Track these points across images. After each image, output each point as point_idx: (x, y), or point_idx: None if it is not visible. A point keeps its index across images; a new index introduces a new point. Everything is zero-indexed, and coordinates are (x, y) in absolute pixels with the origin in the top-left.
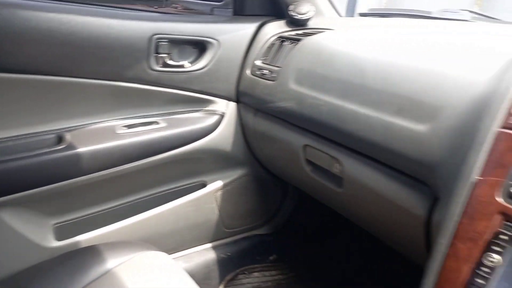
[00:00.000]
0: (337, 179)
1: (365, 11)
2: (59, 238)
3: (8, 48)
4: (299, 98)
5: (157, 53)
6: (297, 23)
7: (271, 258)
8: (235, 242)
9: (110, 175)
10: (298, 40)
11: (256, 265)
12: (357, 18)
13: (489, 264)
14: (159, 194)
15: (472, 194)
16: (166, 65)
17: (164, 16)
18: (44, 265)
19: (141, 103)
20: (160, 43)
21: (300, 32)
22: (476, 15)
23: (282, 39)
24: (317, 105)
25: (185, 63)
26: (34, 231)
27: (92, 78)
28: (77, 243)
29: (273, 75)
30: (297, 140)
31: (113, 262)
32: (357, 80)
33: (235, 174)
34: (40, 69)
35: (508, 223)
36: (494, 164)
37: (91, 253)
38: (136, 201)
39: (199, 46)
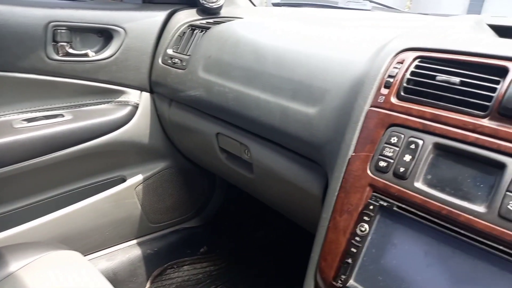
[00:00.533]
0: (248, 165)
1: (278, 1)
2: None
3: None
4: (208, 86)
5: (55, 41)
6: (209, 12)
7: (201, 250)
8: (162, 236)
9: (13, 173)
10: (208, 28)
11: (186, 259)
12: (269, 8)
13: (360, 233)
14: (75, 190)
15: (347, 169)
16: (67, 54)
17: (62, 3)
18: None
19: (43, 95)
20: (58, 31)
21: (210, 20)
22: (378, 5)
23: (193, 27)
24: (224, 93)
25: (89, 52)
26: None
27: None
28: None
29: (183, 64)
30: (209, 128)
31: (17, 265)
32: (258, 66)
33: (157, 167)
34: None
35: (375, 194)
36: (365, 140)
37: None
38: (49, 199)
39: (105, 35)
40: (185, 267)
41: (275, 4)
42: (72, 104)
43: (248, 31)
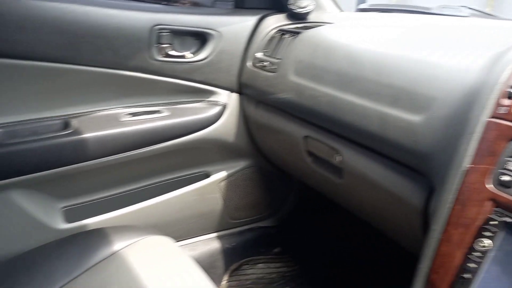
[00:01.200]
0: (337, 170)
1: (365, 6)
2: (67, 221)
3: (17, 35)
4: (299, 89)
5: (159, 43)
6: (297, 17)
7: (275, 250)
8: (240, 233)
9: (116, 161)
10: (298, 33)
11: (261, 257)
12: (357, 13)
13: (481, 249)
14: (164, 182)
15: (463, 181)
16: (168, 55)
17: (165, 8)
18: (53, 245)
19: (145, 92)
20: (161, 33)
21: (299, 25)
22: (475, 12)
23: (282, 32)
24: (316, 97)
25: (187, 53)
26: (43, 212)
27: (94, 66)
28: (84, 225)
29: (274, 67)
30: (297, 131)
31: (119, 245)
32: (354, 71)
33: (239, 165)
34: (46, 56)
35: (498, 209)
36: (484, 152)
37: (98, 235)
38: (141, 188)
39: (201, 38)
40: (259, 265)
41: (361, 10)
42: (169, 101)
43: (341, 36)
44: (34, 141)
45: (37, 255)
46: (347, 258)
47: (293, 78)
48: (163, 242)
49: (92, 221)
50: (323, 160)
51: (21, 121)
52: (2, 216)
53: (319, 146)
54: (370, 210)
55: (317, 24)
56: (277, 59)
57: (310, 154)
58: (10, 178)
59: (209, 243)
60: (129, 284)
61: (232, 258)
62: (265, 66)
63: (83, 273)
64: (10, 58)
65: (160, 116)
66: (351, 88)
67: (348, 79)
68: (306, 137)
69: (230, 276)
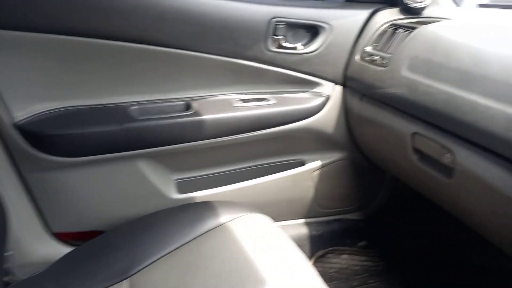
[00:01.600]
0: (447, 169)
1: (485, 2)
2: (179, 191)
3: (158, 25)
4: (412, 85)
5: (274, 35)
6: (411, 12)
7: (361, 244)
8: (327, 222)
9: (225, 143)
10: (413, 28)
11: (346, 248)
12: (475, 9)
13: None
14: (263, 166)
15: None
16: (281, 46)
17: (282, 1)
18: (168, 212)
19: (255, 81)
20: (278, 26)
21: (414, 20)
22: None
23: (395, 26)
24: (431, 93)
25: (298, 45)
26: (160, 182)
27: (216, 55)
28: (193, 197)
29: (384, 62)
30: (405, 127)
31: (225, 218)
32: (478, 70)
33: (333, 156)
34: (177, 44)
35: None
36: None
37: (207, 208)
38: (242, 169)
39: (312, 30)
40: (344, 255)
41: (481, 5)
42: (276, 90)
43: (464, 33)
44: (161, 118)
45: (155, 219)
46: (435, 260)
47: (406, 73)
48: (264, 220)
49: (199, 194)
50: (430, 158)
51: (151, 100)
52: (130, 181)
53: (428, 144)
54: (478, 214)
55: (433, 20)
56: (389, 53)
57: (416, 151)
58: (139, 149)
59: (298, 228)
60: (234, 255)
61: (318, 246)
62: (374, 60)
63: (193, 239)
64: (149, 45)
65: (267, 104)
66: (473, 87)
67: (471, 78)
68: (414, 133)
69: (315, 262)
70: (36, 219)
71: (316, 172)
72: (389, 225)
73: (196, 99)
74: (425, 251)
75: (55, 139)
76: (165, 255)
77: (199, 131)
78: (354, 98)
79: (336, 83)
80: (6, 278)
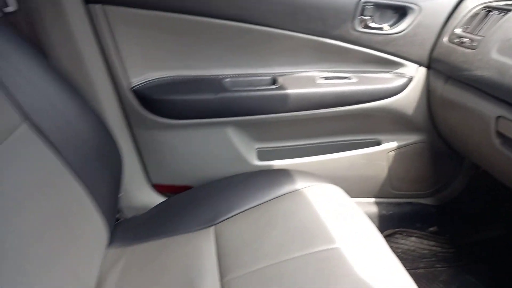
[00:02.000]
0: None
1: None
2: (259, 159)
3: (255, 4)
4: (501, 68)
5: (362, 15)
6: None
7: (431, 229)
8: (398, 204)
9: (307, 117)
10: (508, 10)
11: (415, 231)
12: None
13: None
14: (339, 142)
15: None
16: (367, 27)
17: None
18: (249, 174)
19: (339, 59)
20: (366, 6)
21: (510, 2)
22: None
23: (488, 9)
24: None
25: (385, 26)
26: (244, 148)
27: (304, 33)
28: (272, 165)
29: (474, 44)
30: (490, 110)
31: (300, 185)
32: None
33: (411, 138)
34: (268, 22)
35: None
36: None
37: (284, 174)
38: (319, 144)
39: (400, 11)
40: (412, 238)
41: None
42: (358, 70)
43: None
44: (250, 90)
45: (237, 180)
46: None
47: (496, 56)
48: (338, 191)
49: (277, 163)
50: None
51: (242, 74)
52: (218, 145)
53: None
54: None
55: None
56: (479, 36)
57: (500, 135)
58: (229, 117)
59: (368, 206)
60: (307, 217)
61: (387, 225)
62: (463, 42)
63: (270, 200)
64: (246, 23)
65: (348, 82)
66: None
67: None
68: (499, 117)
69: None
70: (140, 171)
71: (392, 153)
72: (463, 213)
73: (281, 75)
74: (502, 243)
75: (162, 103)
76: (245, 210)
77: (283, 104)
78: (438, 80)
79: (420, 65)
80: (117, 215)
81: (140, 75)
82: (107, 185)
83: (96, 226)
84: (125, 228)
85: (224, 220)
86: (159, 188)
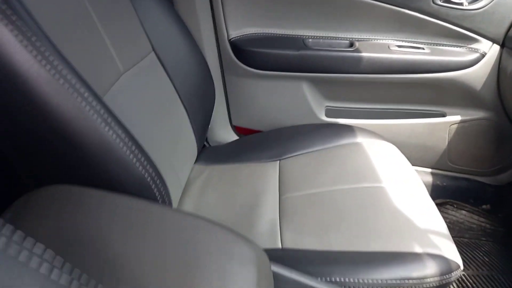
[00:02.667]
0: None
1: None
2: (326, 116)
3: None
4: None
5: None
6: None
7: (484, 206)
8: (454, 178)
9: (376, 80)
10: None
11: (467, 205)
12: None
13: None
14: (404, 110)
15: None
16: (447, 1)
17: None
18: (315, 125)
19: (415, 31)
20: None
21: None
22: None
23: None
24: None
25: (464, 1)
26: (314, 104)
27: (385, 3)
28: (338, 122)
29: None
30: None
31: (359, 139)
32: None
33: (476, 114)
34: None
35: None
36: None
37: (346, 129)
38: (386, 110)
39: None
40: (463, 211)
41: None
42: (432, 42)
43: None
44: (328, 50)
45: (304, 128)
46: None
47: None
48: (396, 149)
49: (342, 121)
50: None
51: (323, 36)
52: (293, 97)
53: None
54: None
55: None
56: None
57: None
58: (306, 72)
59: (423, 175)
60: (362, 162)
61: (439, 195)
62: None
63: (332, 147)
64: None
65: (421, 52)
66: None
67: None
68: None
69: None
70: (225, 112)
71: (454, 126)
72: None
73: (358, 40)
74: None
75: (251, 54)
76: (307, 152)
77: (356, 65)
78: (511, 59)
79: (495, 42)
80: (205, 142)
81: (238, 29)
82: (202, 116)
83: (191, 144)
84: (209, 152)
85: (289, 157)
86: (238, 129)
